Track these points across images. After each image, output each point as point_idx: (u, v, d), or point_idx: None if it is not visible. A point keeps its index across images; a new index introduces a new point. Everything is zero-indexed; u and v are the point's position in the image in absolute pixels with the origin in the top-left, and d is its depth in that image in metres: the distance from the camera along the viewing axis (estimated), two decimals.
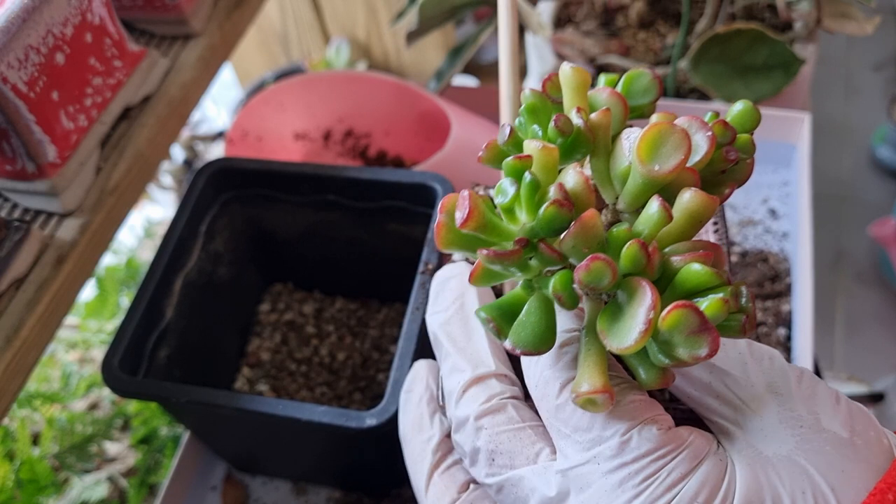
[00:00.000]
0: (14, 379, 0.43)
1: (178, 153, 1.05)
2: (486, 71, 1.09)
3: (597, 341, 0.27)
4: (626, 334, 0.25)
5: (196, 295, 0.58)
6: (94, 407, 0.73)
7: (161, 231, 0.95)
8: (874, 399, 1.03)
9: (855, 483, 0.26)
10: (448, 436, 0.34)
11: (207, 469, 0.64)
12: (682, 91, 0.76)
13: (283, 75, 1.02)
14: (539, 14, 0.80)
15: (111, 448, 0.70)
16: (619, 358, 0.31)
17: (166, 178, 1.03)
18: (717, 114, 0.29)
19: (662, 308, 0.24)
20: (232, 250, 0.63)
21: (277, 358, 0.67)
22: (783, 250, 0.69)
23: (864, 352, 1.30)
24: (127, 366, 0.50)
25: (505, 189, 0.27)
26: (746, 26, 0.67)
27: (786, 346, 0.61)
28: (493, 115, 0.78)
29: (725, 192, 0.29)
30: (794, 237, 0.68)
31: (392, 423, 0.43)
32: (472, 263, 0.37)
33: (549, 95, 0.31)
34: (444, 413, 0.35)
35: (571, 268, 0.26)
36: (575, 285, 0.26)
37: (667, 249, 0.27)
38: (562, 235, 0.26)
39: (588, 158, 0.30)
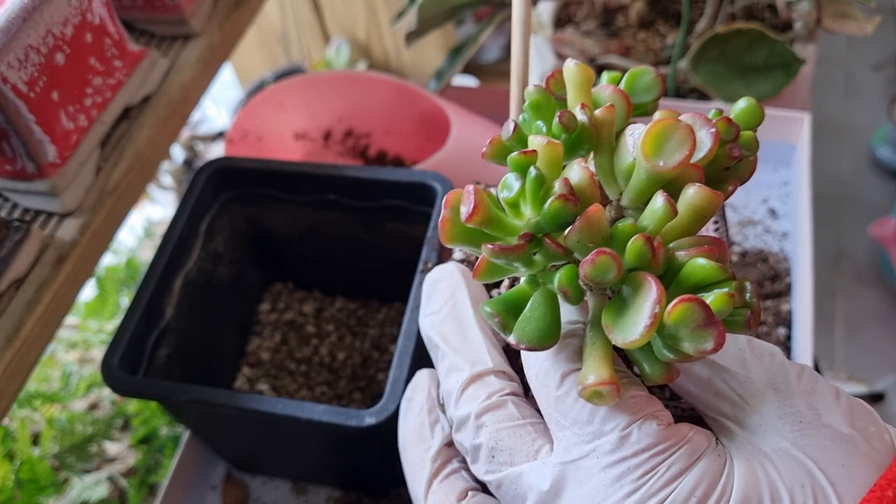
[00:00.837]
0: (14, 379, 0.43)
1: (178, 153, 1.05)
2: (486, 71, 1.09)
3: (602, 335, 0.28)
4: (632, 328, 0.25)
5: (196, 294, 0.58)
6: (94, 407, 0.73)
7: (161, 231, 0.95)
8: (874, 399, 1.03)
9: (855, 478, 0.26)
10: (448, 444, 0.34)
11: (207, 469, 0.64)
12: (682, 91, 0.76)
13: (283, 75, 1.02)
14: (539, 14, 0.80)
15: (111, 448, 0.70)
16: (620, 354, 0.31)
17: (166, 178, 1.03)
18: (720, 111, 0.29)
19: (668, 302, 0.25)
20: (232, 250, 0.63)
21: (277, 357, 0.67)
22: (783, 250, 0.69)
23: (864, 352, 1.30)
24: (127, 365, 0.50)
25: (510, 184, 0.27)
26: (746, 26, 0.67)
27: (786, 346, 0.61)
28: (492, 114, 0.78)
29: (729, 189, 0.29)
30: (793, 237, 0.68)
31: (391, 422, 0.43)
32: (463, 262, 0.37)
33: (553, 92, 0.31)
34: (445, 417, 0.35)
35: (576, 263, 0.26)
36: (580, 280, 0.26)
37: (671, 245, 0.27)
38: (567, 230, 0.26)
39: (592, 155, 0.30)
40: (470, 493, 0.33)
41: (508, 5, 0.70)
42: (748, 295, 0.27)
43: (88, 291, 0.82)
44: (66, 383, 0.72)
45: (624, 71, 0.32)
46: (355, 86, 0.80)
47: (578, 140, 0.28)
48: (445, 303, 0.35)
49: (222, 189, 0.60)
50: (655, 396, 0.32)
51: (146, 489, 0.67)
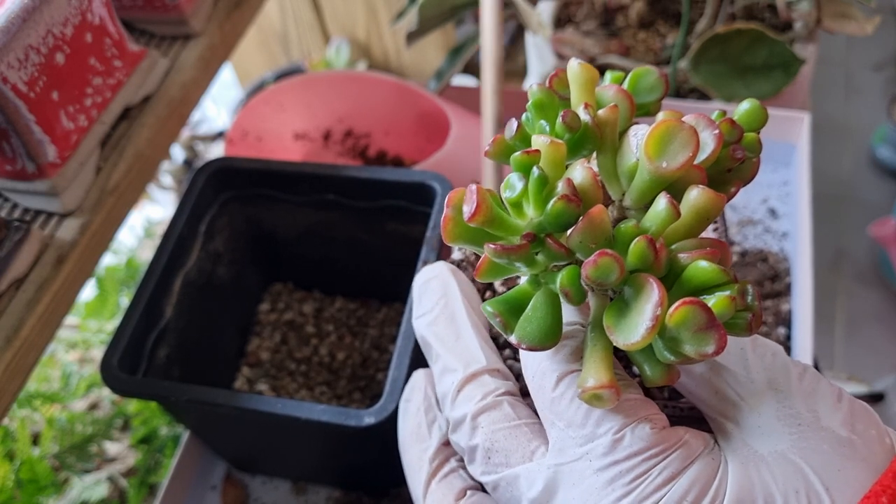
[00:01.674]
0: (14, 379, 0.43)
1: (178, 153, 1.05)
2: None
3: (603, 337, 0.27)
4: (633, 330, 0.25)
5: (196, 294, 0.58)
6: (94, 407, 0.73)
7: (161, 231, 0.95)
8: (874, 399, 1.02)
9: (851, 483, 0.26)
10: (445, 444, 0.34)
11: (207, 469, 0.64)
12: (682, 91, 0.76)
13: (283, 75, 1.02)
14: (539, 14, 0.80)
15: (111, 448, 0.70)
16: (618, 355, 0.31)
17: (166, 178, 1.03)
18: (724, 112, 0.29)
19: (669, 305, 0.25)
20: (232, 250, 0.63)
21: (277, 357, 0.67)
22: (783, 250, 0.69)
23: (864, 352, 1.30)
24: (126, 365, 0.50)
25: (513, 184, 0.27)
26: (746, 26, 0.67)
27: (786, 346, 0.61)
28: None
29: (731, 191, 0.29)
30: (793, 237, 0.68)
31: (391, 422, 0.43)
32: (462, 262, 0.37)
33: (556, 92, 0.31)
34: (442, 417, 0.35)
35: (578, 263, 0.26)
36: (582, 281, 0.26)
37: (673, 246, 0.27)
38: (569, 231, 0.26)
39: (595, 155, 0.30)
40: (468, 493, 0.33)
41: (508, 5, 0.70)
42: (750, 298, 0.27)
43: (88, 291, 0.82)
44: (66, 383, 0.72)
45: (625, 71, 0.32)
46: (355, 86, 0.80)
47: (582, 140, 0.28)
48: (437, 302, 0.35)
49: (222, 189, 0.60)
50: (655, 396, 0.32)
51: (146, 489, 0.67)
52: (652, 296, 0.25)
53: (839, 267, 1.40)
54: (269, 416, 0.47)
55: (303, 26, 1.04)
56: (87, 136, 0.47)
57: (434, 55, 0.98)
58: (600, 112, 0.29)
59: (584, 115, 0.28)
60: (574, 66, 0.30)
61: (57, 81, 0.44)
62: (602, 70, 0.38)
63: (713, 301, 0.25)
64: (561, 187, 0.26)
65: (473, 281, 0.36)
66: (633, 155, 0.28)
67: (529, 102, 0.30)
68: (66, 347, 0.78)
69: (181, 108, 0.54)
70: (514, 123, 0.30)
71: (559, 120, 0.28)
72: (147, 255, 0.91)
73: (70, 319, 0.79)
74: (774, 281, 0.66)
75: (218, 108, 1.21)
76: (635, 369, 0.31)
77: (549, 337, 0.28)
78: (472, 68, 1.06)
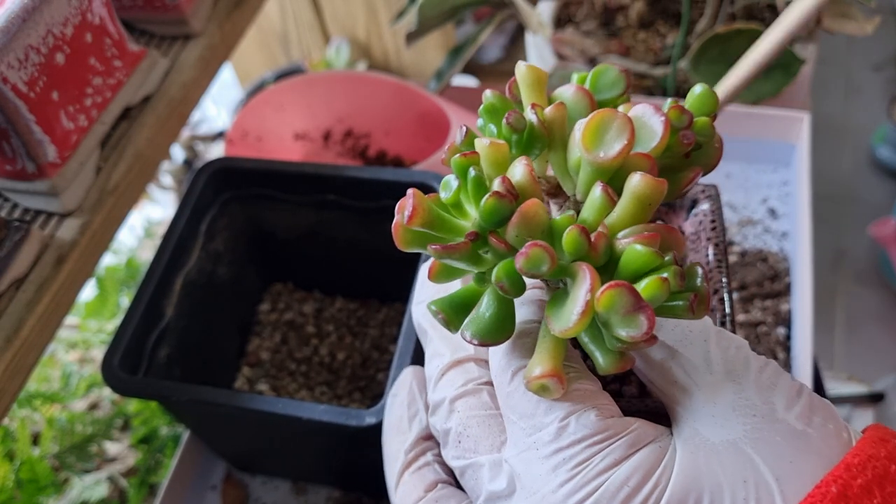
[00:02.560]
0: (14, 379, 0.43)
1: (178, 153, 1.05)
2: (486, 71, 1.09)
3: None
4: (568, 317, 0.25)
5: (196, 294, 0.58)
6: (94, 407, 0.73)
7: (161, 231, 0.95)
8: (874, 399, 1.02)
9: (802, 475, 0.26)
10: (424, 437, 0.35)
11: (207, 469, 0.64)
12: (682, 91, 0.76)
13: (283, 75, 1.02)
14: (539, 14, 0.80)
15: (111, 448, 0.70)
16: (583, 351, 0.31)
17: (166, 178, 1.03)
18: (675, 100, 0.29)
19: None
20: (232, 250, 0.63)
21: (277, 357, 0.67)
22: (783, 250, 0.69)
23: (864, 352, 1.30)
24: (127, 365, 0.50)
25: (449, 184, 0.28)
26: (746, 26, 0.67)
27: (785, 346, 0.61)
28: None
29: (689, 177, 0.30)
30: (793, 237, 0.68)
31: None
32: None
33: (515, 96, 0.31)
34: (423, 411, 0.36)
35: None
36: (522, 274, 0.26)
37: (619, 235, 0.27)
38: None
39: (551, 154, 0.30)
40: (439, 486, 0.33)
41: (508, 5, 0.70)
42: (698, 280, 0.27)
43: (88, 291, 0.82)
44: (66, 383, 0.72)
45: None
46: (355, 86, 0.80)
47: (530, 140, 0.29)
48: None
49: (222, 189, 0.60)
50: (625, 393, 0.33)
51: (146, 489, 0.67)
52: (584, 282, 0.25)
53: (839, 267, 1.41)
54: (270, 416, 0.47)
55: (303, 26, 1.04)
56: (87, 136, 0.47)
57: (434, 55, 0.98)
58: (546, 111, 0.29)
59: (530, 115, 0.29)
60: (521, 68, 0.31)
61: (57, 81, 0.44)
62: None
63: (644, 283, 0.25)
64: (496, 185, 0.27)
65: None
66: (578, 149, 0.29)
67: (481, 107, 0.31)
68: (66, 347, 0.78)
69: (181, 108, 0.54)
70: (462, 129, 0.31)
71: (503, 121, 0.28)
72: (147, 255, 0.91)
73: (70, 319, 0.79)
74: (774, 281, 0.66)
75: (218, 108, 1.21)
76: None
77: (500, 332, 0.29)
78: (472, 68, 1.06)
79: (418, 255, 0.52)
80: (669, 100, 0.29)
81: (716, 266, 0.37)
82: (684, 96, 0.83)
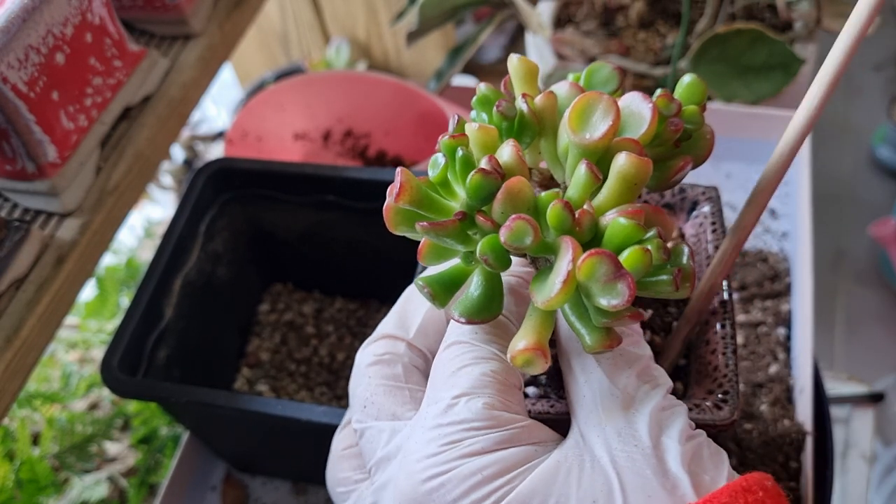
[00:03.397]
0: (14, 379, 0.43)
1: (178, 153, 1.05)
2: (485, 71, 1.09)
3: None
4: (550, 289, 0.26)
5: (195, 295, 0.58)
6: (94, 407, 0.73)
7: (161, 231, 0.95)
8: (874, 399, 1.02)
9: None
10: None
11: (207, 469, 0.64)
12: None
13: (283, 75, 1.02)
14: (539, 14, 0.80)
15: (111, 448, 0.70)
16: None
17: (166, 178, 1.03)
18: (664, 90, 0.30)
19: None
20: (231, 250, 0.63)
21: (277, 358, 0.67)
22: (783, 250, 0.69)
23: (864, 352, 1.30)
24: (126, 366, 0.50)
25: (436, 161, 0.29)
26: (746, 26, 0.67)
27: (785, 346, 0.61)
28: None
29: (679, 165, 0.30)
30: (793, 237, 0.68)
31: None
32: None
33: (510, 92, 0.32)
34: None
35: None
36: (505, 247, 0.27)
37: (605, 214, 0.27)
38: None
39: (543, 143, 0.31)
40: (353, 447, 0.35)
41: (508, 5, 0.70)
42: (684, 258, 0.28)
43: (88, 291, 0.82)
44: (66, 383, 0.72)
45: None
46: (355, 86, 0.80)
47: (520, 128, 0.29)
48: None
49: (222, 189, 0.60)
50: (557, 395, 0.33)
51: (146, 489, 0.67)
52: (566, 254, 0.25)
53: (839, 267, 1.41)
54: (269, 417, 0.47)
55: (303, 26, 1.04)
56: (87, 136, 0.47)
57: (434, 55, 0.98)
58: (536, 100, 0.30)
59: (520, 104, 0.29)
60: (513, 60, 0.31)
61: (57, 81, 0.44)
62: None
63: (626, 253, 0.25)
64: (483, 163, 0.27)
65: None
66: (566, 135, 0.29)
67: (474, 98, 0.32)
68: (66, 347, 0.78)
69: (181, 108, 0.54)
70: (455, 118, 0.31)
71: (494, 109, 0.29)
72: (147, 255, 0.91)
73: (70, 319, 0.79)
74: (774, 281, 0.66)
75: (218, 108, 1.21)
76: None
77: (488, 311, 0.29)
78: (472, 68, 1.06)
79: (417, 255, 0.52)
80: (659, 90, 0.30)
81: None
82: None
